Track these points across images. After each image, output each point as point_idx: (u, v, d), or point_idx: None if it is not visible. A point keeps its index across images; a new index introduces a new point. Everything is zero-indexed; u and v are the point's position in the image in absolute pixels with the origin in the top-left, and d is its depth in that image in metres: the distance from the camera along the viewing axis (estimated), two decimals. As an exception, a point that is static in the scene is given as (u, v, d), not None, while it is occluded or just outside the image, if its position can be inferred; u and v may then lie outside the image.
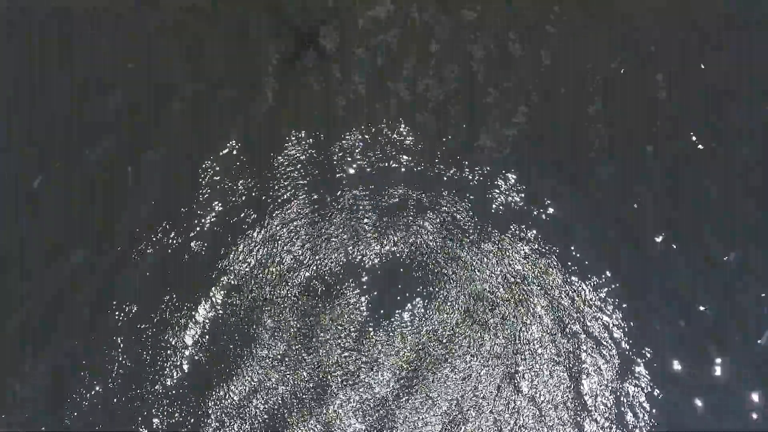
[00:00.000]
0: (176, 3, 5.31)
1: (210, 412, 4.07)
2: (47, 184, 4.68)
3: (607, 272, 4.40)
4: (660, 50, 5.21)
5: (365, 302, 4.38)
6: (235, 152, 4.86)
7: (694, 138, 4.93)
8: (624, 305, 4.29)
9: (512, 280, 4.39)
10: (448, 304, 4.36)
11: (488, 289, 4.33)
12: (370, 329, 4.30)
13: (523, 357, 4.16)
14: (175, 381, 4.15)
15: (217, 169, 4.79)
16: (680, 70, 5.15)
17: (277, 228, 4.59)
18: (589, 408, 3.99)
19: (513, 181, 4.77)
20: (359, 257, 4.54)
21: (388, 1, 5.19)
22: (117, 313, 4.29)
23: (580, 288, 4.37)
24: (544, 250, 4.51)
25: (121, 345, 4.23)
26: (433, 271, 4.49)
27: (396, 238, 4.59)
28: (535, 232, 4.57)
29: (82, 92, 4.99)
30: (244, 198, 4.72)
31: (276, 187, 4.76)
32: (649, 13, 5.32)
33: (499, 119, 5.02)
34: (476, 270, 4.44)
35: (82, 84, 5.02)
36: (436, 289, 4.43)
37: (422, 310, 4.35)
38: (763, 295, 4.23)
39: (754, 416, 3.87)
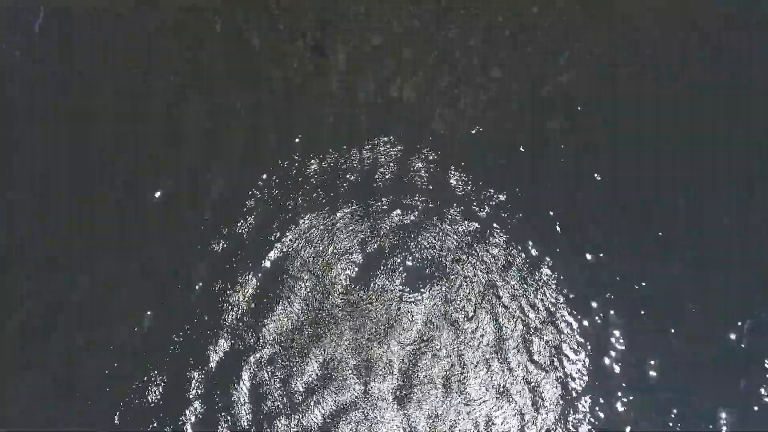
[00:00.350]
0: (176, 3, 5.31)
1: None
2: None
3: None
4: (660, 50, 5.22)
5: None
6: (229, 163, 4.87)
7: (692, 138, 4.95)
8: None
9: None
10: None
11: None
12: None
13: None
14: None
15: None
16: (680, 70, 5.16)
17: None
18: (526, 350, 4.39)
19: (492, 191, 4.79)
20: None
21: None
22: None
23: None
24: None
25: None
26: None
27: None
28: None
29: (84, 92, 5.00)
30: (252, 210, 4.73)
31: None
32: (649, 13, 5.32)
33: (493, 119, 5.04)
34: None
35: (83, 84, 5.03)
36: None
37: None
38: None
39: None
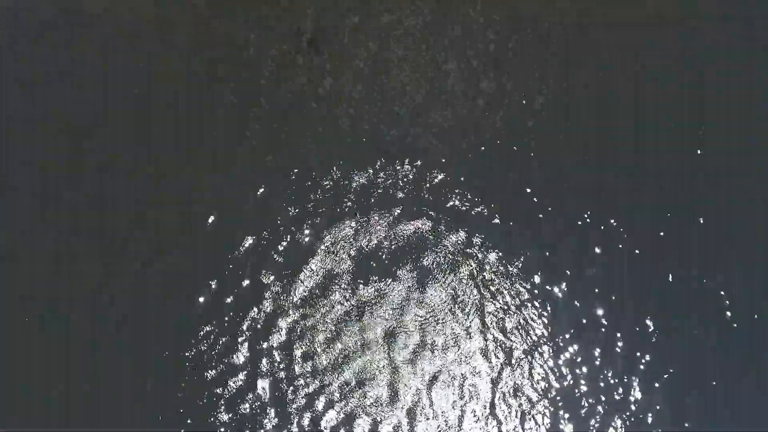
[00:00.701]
0: (176, 3, 5.31)
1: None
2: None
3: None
4: (661, 50, 5.23)
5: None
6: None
7: (690, 139, 4.97)
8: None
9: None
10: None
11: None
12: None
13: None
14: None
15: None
16: (680, 70, 5.17)
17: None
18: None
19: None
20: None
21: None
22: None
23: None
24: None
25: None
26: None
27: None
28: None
29: (88, 94, 5.01)
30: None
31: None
32: (651, 13, 5.33)
33: (493, 121, 5.05)
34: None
35: (84, 85, 5.03)
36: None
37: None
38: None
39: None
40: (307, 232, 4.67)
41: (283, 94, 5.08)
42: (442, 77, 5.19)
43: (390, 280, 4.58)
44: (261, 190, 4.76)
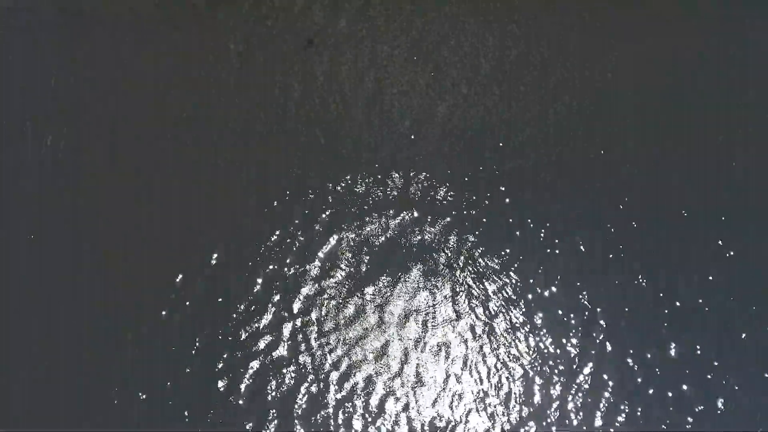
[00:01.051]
0: (176, 3, 5.32)
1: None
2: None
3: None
4: (661, 50, 5.24)
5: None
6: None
7: (690, 140, 4.98)
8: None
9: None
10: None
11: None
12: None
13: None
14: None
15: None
16: (680, 70, 5.18)
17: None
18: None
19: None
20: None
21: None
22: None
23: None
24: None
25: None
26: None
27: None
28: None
29: (88, 94, 5.01)
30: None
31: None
32: (651, 13, 5.36)
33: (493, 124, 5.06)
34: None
35: (84, 87, 5.04)
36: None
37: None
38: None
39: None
40: (304, 232, 4.68)
41: (282, 94, 5.09)
42: (441, 78, 5.20)
43: (386, 271, 4.60)
44: (260, 192, 4.77)
